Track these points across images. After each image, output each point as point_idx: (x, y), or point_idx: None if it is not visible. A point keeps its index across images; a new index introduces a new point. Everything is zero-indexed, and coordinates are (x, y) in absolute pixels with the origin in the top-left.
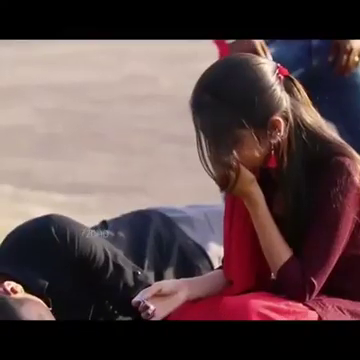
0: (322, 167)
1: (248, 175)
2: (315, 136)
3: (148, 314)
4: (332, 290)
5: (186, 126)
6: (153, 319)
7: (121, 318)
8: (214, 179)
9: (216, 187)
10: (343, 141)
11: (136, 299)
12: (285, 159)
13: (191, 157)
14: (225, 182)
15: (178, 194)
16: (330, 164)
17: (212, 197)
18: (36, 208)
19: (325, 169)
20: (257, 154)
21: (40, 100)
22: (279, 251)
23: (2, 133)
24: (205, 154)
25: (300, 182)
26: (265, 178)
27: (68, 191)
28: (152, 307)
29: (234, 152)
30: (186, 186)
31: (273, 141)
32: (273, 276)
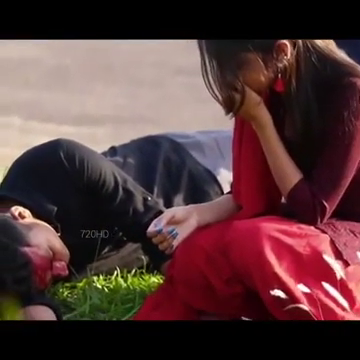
0: (333, 89)
1: (254, 97)
2: (325, 58)
3: (171, 239)
4: (344, 213)
5: (196, 58)
6: (173, 245)
7: (130, 244)
8: (219, 102)
9: (226, 118)
10: (354, 63)
11: (153, 229)
12: (293, 82)
13: (200, 88)
14: (230, 104)
15: (187, 125)
16: (342, 85)
17: (222, 128)
18: (44, 139)
19: (336, 90)
20: (263, 78)
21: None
22: (289, 174)
23: (11, 65)
24: (210, 77)
25: (310, 105)
26: (275, 101)
27: (77, 123)
28: (176, 230)
29: (239, 74)
30: (195, 117)
31: (279, 65)
32: (283, 200)
